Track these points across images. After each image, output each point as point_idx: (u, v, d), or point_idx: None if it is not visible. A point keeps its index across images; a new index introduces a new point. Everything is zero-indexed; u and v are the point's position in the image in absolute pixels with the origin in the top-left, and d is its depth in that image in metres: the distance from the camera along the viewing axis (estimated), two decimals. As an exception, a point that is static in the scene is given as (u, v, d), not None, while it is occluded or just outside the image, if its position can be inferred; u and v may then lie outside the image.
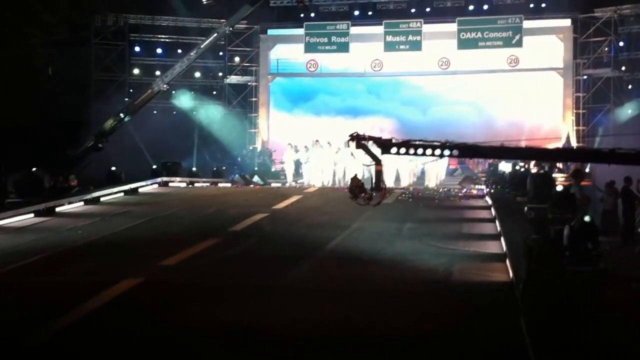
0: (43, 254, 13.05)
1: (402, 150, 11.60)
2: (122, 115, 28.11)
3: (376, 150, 12.24)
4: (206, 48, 27.76)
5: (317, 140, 27.90)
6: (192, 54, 29.58)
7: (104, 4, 36.09)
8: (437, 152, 11.52)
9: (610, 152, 11.66)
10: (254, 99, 37.22)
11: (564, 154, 15.23)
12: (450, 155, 11.56)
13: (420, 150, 11.56)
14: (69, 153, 26.43)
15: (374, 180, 12.50)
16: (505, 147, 13.36)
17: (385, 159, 12.45)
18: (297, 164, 28.62)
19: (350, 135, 11.76)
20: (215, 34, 27.23)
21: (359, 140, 11.57)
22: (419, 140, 11.92)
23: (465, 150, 12.60)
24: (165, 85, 27.32)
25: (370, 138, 11.59)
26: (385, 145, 11.61)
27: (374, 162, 12.50)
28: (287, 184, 27.86)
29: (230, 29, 30.21)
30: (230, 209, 18.80)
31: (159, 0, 36.57)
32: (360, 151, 12.55)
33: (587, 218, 9.79)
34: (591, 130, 32.01)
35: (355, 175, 12.06)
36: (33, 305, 9.90)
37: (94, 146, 26.90)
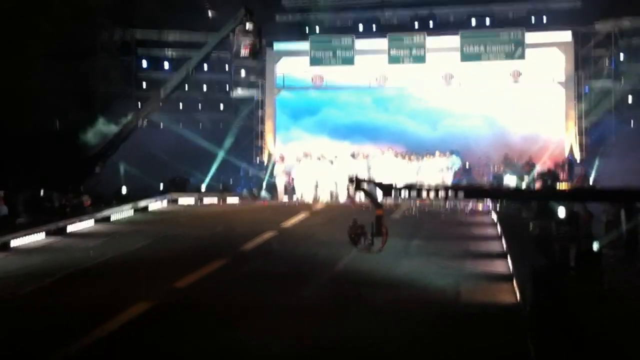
0: (54, 277, 13.19)
1: (405, 193, 11.59)
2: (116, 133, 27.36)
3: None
4: (203, 55, 27.13)
5: (307, 153, 27.71)
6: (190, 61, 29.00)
7: (111, 19, 36.27)
8: (442, 194, 11.47)
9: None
10: (260, 112, 37.39)
11: (570, 195, 15.26)
12: (456, 198, 11.56)
13: (424, 194, 11.52)
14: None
15: (375, 225, 12.41)
16: (509, 189, 13.48)
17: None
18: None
19: (349, 179, 11.79)
20: (209, 43, 26.80)
21: (358, 184, 11.58)
22: (419, 185, 11.99)
23: (470, 193, 12.73)
24: (166, 95, 26.69)
25: (371, 182, 11.57)
26: (387, 189, 11.60)
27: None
28: (279, 199, 27.36)
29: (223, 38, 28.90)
30: (239, 227, 18.93)
31: (166, 14, 36.76)
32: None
33: (595, 246, 9.91)
34: (594, 141, 32.13)
35: (355, 220, 12.01)
36: (45, 330, 10.07)
37: (91, 169, 26.21)
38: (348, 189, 11.56)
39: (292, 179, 27.85)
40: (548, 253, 13.01)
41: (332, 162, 26.72)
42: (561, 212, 15.24)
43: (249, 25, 24.70)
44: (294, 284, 12.54)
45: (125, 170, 28.96)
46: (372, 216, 13.68)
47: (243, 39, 24.89)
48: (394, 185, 11.20)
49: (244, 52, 24.96)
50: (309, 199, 26.58)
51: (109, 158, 24.97)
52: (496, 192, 13.97)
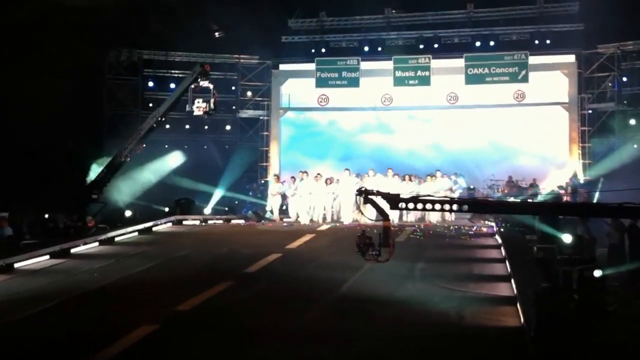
0: (58, 299, 13.21)
1: (411, 205, 11.64)
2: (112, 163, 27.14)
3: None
4: (168, 105, 26.97)
5: (304, 172, 27.28)
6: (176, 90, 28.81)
7: (118, 40, 36.50)
8: (447, 207, 11.52)
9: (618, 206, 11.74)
10: (265, 133, 37.53)
11: (574, 208, 15.31)
12: (460, 210, 11.60)
13: (429, 205, 11.56)
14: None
15: (382, 236, 12.50)
16: (514, 202, 13.54)
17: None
18: (284, 198, 27.86)
19: (357, 191, 11.87)
20: (192, 74, 26.71)
21: (366, 195, 11.66)
22: (428, 195, 12.08)
23: (475, 206, 12.80)
24: (156, 121, 26.57)
25: (379, 193, 11.66)
26: (394, 200, 11.67)
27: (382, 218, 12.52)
28: (274, 219, 27.10)
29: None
30: (244, 249, 18.93)
31: (172, 35, 36.99)
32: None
33: (597, 274, 9.93)
34: (597, 163, 32.19)
35: (363, 231, 12.10)
36: (48, 353, 10.11)
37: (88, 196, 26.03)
38: (357, 201, 11.55)
39: (288, 199, 27.60)
40: (552, 276, 13.02)
41: (331, 182, 26.55)
42: (565, 236, 15.26)
43: (203, 84, 25.00)
44: (297, 307, 12.57)
45: (129, 192, 29.03)
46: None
47: (197, 100, 25.26)
48: (400, 196, 11.24)
49: (197, 111, 25.30)
50: (304, 220, 26.40)
51: (105, 185, 25.10)
52: (504, 206, 13.96)
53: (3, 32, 26.64)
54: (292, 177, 28.07)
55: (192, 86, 25.03)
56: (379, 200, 11.51)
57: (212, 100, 25.36)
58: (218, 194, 31.63)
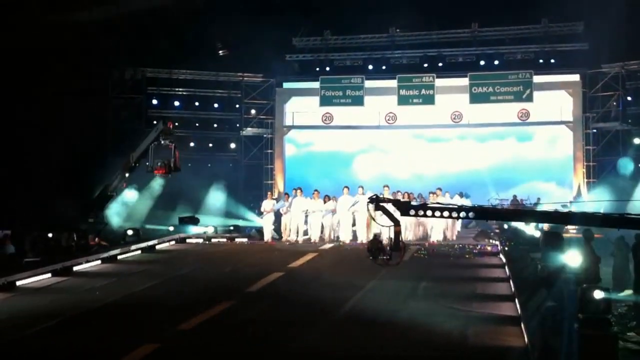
0: (59, 318, 13.12)
1: (420, 212, 11.80)
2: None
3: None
4: (139, 153, 27.00)
5: (299, 189, 26.43)
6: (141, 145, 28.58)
7: (123, 58, 36.68)
8: (454, 214, 11.69)
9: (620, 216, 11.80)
10: (269, 151, 37.59)
11: (579, 218, 15.29)
12: (467, 218, 11.70)
13: (437, 212, 11.72)
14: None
15: (393, 240, 12.62)
16: (520, 209, 13.56)
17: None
18: (277, 216, 27.02)
19: (369, 198, 11.99)
20: (155, 131, 26.71)
21: (378, 202, 11.77)
22: (437, 203, 12.22)
23: (481, 213, 12.81)
24: (130, 167, 26.46)
25: (389, 200, 11.81)
26: (404, 207, 11.80)
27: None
28: (265, 239, 26.40)
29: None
30: (246, 268, 18.88)
31: (177, 53, 37.16)
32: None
33: (598, 295, 9.82)
34: (602, 181, 32.17)
35: (375, 235, 12.19)
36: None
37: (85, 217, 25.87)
38: (368, 209, 11.75)
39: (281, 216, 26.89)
40: (556, 296, 12.90)
41: (329, 200, 26.32)
42: (569, 255, 15.15)
43: (164, 143, 25.07)
44: (300, 326, 12.48)
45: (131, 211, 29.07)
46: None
47: (156, 161, 25.30)
48: (410, 203, 11.43)
49: (157, 173, 25.39)
50: (297, 238, 25.94)
51: (100, 211, 25.20)
52: (510, 213, 13.96)
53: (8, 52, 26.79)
54: (286, 194, 27.80)
55: (154, 144, 24.96)
56: (390, 207, 11.69)
57: (172, 160, 25.26)
58: (222, 211, 31.59)
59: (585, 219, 13.64)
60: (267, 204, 26.89)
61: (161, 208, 31.48)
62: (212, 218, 31.92)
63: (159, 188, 32.16)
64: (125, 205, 29.56)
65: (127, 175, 25.67)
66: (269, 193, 28.95)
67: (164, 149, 25.65)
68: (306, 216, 26.25)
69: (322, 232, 26.48)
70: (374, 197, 12.12)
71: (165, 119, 27.85)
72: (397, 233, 12.23)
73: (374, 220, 14.16)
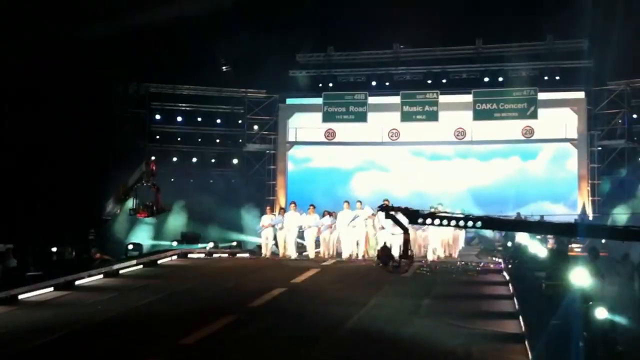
0: (61, 332, 13.05)
1: (428, 220, 11.96)
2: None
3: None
4: (134, 180, 26.95)
5: (292, 203, 26.19)
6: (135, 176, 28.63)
7: (126, 73, 36.75)
8: (461, 223, 11.85)
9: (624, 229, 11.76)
10: (272, 167, 37.56)
11: (585, 230, 15.27)
12: (474, 227, 11.74)
13: (445, 221, 11.87)
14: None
15: (401, 249, 12.75)
16: (527, 221, 13.60)
17: (387, 227, 12.70)
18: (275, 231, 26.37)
19: (379, 206, 12.15)
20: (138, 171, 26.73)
21: (388, 210, 11.93)
22: (444, 212, 12.31)
23: (489, 223, 12.82)
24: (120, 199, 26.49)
25: (399, 209, 11.96)
26: (413, 215, 11.93)
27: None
28: (263, 254, 26.09)
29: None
30: (248, 283, 18.81)
31: (180, 69, 37.24)
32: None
33: (600, 314, 9.75)
34: (606, 201, 32.09)
35: (385, 243, 12.29)
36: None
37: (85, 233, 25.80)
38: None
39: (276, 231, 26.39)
40: (561, 313, 12.82)
41: (329, 215, 26.12)
42: (574, 273, 15.06)
43: (145, 185, 25.18)
44: (302, 343, 12.38)
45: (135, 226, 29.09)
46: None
47: (141, 200, 25.43)
48: (419, 212, 11.58)
49: (140, 216, 25.52)
50: (290, 253, 25.63)
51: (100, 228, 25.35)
52: (517, 224, 13.93)
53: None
54: (282, 209, 27.60)
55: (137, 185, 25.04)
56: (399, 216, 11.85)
57: (153, 206, 25.26)
58: (224, 227, 31.54)
59: (592, 231, 13.63)
60: (266, 219, 26.55)
61: (164, 223, 31.40)
62: (217, 232, 31.88)
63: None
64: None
65: (118, 205, 25.72)
66: (267, 208, 28.59)
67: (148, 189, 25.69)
68: (302, 232, 26.04)
69: (317, 247, 26.20)
70: (384, 205, 12.27)
71: (148, 159, 27.78)
72: (407, 241, 12.40)
73: (383, 228, 14.44)
